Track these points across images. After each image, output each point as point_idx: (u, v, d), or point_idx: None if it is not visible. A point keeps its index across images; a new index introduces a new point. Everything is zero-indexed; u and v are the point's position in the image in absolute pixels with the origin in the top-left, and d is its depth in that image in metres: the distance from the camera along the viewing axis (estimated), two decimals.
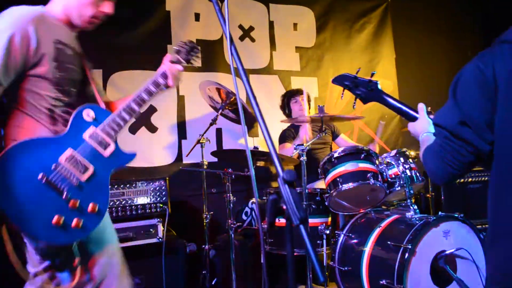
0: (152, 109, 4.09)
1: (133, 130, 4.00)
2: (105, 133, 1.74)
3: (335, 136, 4.23)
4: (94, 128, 1.73)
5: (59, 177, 1.59)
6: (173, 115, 4.19)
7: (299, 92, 4.07)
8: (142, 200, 3.21)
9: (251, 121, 4.26)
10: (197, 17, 4.35)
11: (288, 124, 4.11)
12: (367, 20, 5.21)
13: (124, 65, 3.98)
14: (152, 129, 4.08)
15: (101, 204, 1.64)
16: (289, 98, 4.12)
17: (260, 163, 3.52)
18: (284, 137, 4.06)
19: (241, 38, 4.55)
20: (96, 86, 1.99)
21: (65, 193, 1.57)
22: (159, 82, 1.98)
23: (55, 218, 1.52)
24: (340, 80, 2.16)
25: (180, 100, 4.22)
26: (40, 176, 1.56)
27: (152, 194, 3.23)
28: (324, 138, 4.06)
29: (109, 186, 1.74)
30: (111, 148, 1.73)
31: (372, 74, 2.08)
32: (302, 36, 4.88)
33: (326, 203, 3.02)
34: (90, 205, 1.60)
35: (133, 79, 3.99)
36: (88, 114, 1.74)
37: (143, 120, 4.05)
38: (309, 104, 4.07)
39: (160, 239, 3.15)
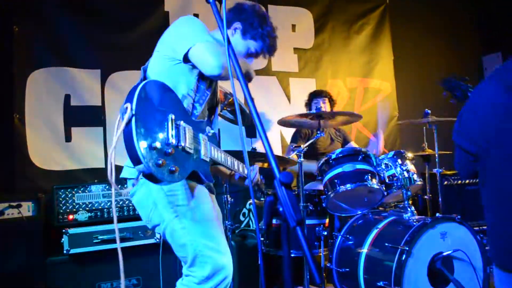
0: None
1: None
2: (210, 148, 1.91)
3: (345, 142, 4.24)
4: (207, 139, 1.91)
5: (179, 130, 1.69)
6: None
7: (322, 94, 4.09)
8: None
9: (251, 122, 4.25)
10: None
11: None
12: (366, 22, 5.21)
13: (123, 65, 3.98)
14: None
15: (179, 172, 1.65)
16: (312, 98, 4.14)
17: (258, 164, 3.52)
18: (296, 137, 4.07)
19: None
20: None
21: (173, 140, 1.63)
22: (241, 175, 2.20)
23: (157, 143, 1.56)
24: (446, 82, 2.34)
25: None
26: (171, 116, 1.65)
27: None
28: (336, 144, 4.10)
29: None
30: (207, 159, 1.87)
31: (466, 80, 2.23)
32: (301, 37, 4.88)
33: (324, 205, 3.02)
34: (175, 167, 1.62)
35: (131, 79, 3.98)
36: (209, 131, 1.95)
37: None
38: (331, 106, 4.11)
39: (158, 240, 3.15)
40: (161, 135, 1.60)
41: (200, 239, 1.84)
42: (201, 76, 1.96)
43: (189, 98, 1.94)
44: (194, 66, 1.91)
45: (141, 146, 1.49)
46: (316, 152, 3.95)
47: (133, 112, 1.49)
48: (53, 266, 2.98)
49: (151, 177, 1.53)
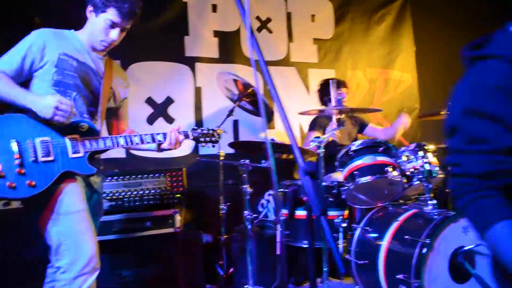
0: (169, 101, 4.10)
1: (151, 121, 4.03)
2: (82, 143, 2.14)
3: (363, 127, 4.18)
4: (78, 136, 2.14)
5: (26, 148, 2.01)
6: (190, 107, 4.20)
7: (343, 84, 4.02)
8: (159, 190, 3.23)
9: (268, 113, 4.25)
10: (214, 8, 4.33)
11: None
12: (386, 12, 5.13)
13: (142, 56, 4.00)
14: (169, 120, 4.10)
15: (39, 183, 2.00)
16: (336, 85, 4.07)
17: (277, 156, 3.52)
18: (314, 125, 4.03)
19: (259, 30, 4.53)
20: (119, 108, 2.61)
21: (18, 160, 1.98)
22: (155, 138, 2.33)
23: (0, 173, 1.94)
24: None
25: (197, 91, 4.23)
26: (14, 140, 2.00)
27: (169, 184, 3.25)
28: (350, 133, 4.05)
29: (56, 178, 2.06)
30: (79, 155, 2.11)
31: None
32: (320, 27, 4.84)
33: (343, 196, 3.00)
34: (30, 181, 1.98)
35: (151, 70, 4.01)
36: (83, 127, 2.16)
37: (161, 111, 4.07)
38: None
39: (177, 229, 3.17)
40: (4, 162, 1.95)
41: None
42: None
43: None
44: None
45: None
46: (333, 143, 3.90)
47: None
48: None
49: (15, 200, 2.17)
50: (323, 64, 4.79)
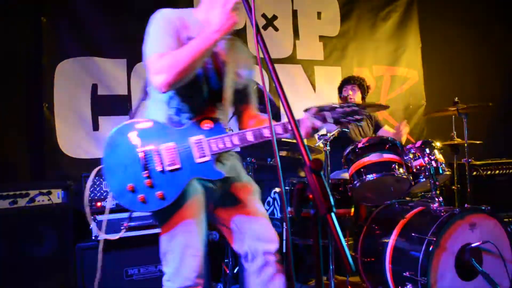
0: None
1: None
2: (208, 145, 1.87)
3: (377, 128, 4.16)
4: (203, 136, 1.88)
5: (151, 158, 1.83)
6: None
7: (350, 81, 4.01)
8: None
9: (274, 111, 4.24)
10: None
11: None
12: (393, 9, 5.10)
13: None
14: None
15: (168, 194, 1.82)
16: (343, 84, 4.09)
17: (283, 153, 3.51)
18: None
19: (264, 27, 4.52)
20: (246, 90, 2.17)
21: (146, 172, 1.81)
22: (287, 128, 1.89)
23: (129, 185, 1.80)
24: None
25: None
26: (139, 149, 1.83)
27: None
28: (366, 132, 4.04)
29: (185, 186, 1.87)
30: (205, 159, 1.86)
31: None
32: (326, 25, 4.82)
33: (350, 194, 3.00)
34: (159, 192, 1.81)
35: None
36: (208, 125, 1.90)
37: None
38: (363, 94, 4.03)
39: None
40: (131, 176, 1.81)
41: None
42: None
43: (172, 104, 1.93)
44: None
45: (117, 196, 1.81)
46: (348, 141, 3.89)
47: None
48: (82, 251, 3.05)
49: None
50: (329, 62, 4.78)
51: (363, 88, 4.02)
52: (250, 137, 1.90)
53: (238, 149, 2.15)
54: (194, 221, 1.89)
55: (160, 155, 1.83)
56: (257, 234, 1.99)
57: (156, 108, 1.95)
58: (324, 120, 1.88)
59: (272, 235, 2.01)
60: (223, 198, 2.04)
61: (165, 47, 1.83)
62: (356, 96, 3.95)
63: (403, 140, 3.83)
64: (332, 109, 1.88)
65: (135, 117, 1.98)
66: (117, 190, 1.82)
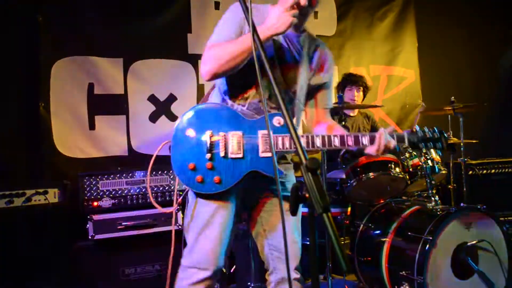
0: (172, 98, 4.10)
1: (153, 118, 4.03)
2: (275, 140, 1.86)
3: (373, 131, 4.13)
4: (271, 132, 1.86)
5: (217, 142, 1.86)
6: (193, 104, 4.19)
7: (358, 82, 3.96)
8: (162, 187, 3.24)
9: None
10: (217, 5, 4.33)
11: None
12: (389, 8, 5.11)
13: (145, 53, 4.00)
14: (172, 118, 4.10)
15: (225, 180, 1.86)
16: (345, 83, 4.03)
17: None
18: None
19: None
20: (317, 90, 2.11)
21: (209, 154, 1.85)
22: (360, 141, 1.89)
23: (191, 164, 1.85)
24: None
25: (200, 89, 4.22)
26: (209, 132, 1.87)
27: (172, 181, 3.26)
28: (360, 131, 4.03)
29: (243, 178, 1.88)
30: (267, 154, 1.86)
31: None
32: (323, 24, 4.82)
33: (346, 193, 3.00)
34: (217, 177, 1.85)
35: (154, 68, 4.01)
36: (279, 122, 1.88)
37: (163, 109, 4.07)
38: (365, 94, 4.01)
39: (180, 226, 3.18)
40: (195, 156, 1.85)
41: None
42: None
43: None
44: None
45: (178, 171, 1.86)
46: None
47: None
48: (78, 251, 3.05)
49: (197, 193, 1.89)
50: None
51: (366, 90, 3.99)
52: (318, 142, 1.88)
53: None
54: (219, 222, 1.91)
55: (227, 141, 1.86)
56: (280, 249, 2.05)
57: (217, 98, 2.04)
58: (401, 140, 1.93)
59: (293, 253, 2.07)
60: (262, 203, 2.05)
61: (222, 38, 1.92)
62: (359, 98, 3.93)
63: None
64: (412, 132, 1.97)
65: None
66: (179, 166, 1.87)
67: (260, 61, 1.20)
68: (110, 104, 3.84)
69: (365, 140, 1.89)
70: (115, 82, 3.89)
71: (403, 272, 2.54)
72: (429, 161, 2.97)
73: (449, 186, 3.95)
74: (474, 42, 5.46)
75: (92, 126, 3.78)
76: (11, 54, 3.61)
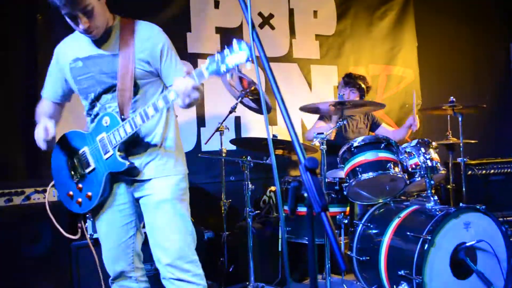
0: None
1: None
2: (108, 139, 2.01)
3: (375, 126, 4.13)
4: (105, 133, 2.02)
5: (75, 164, 2.12)
6: None
7: (350, 84, 3.94)
8: None
9: (270, 110, 4.24)
10: (216, 4, 4.32)
11: None
12: (389, 7, 5.11)
13: None
14: None
15: (94, 194, 2.06)
16: (346, 83, 4.01)
17: (279, 152, 3.52)
18: (323, 117, 3.99)
19: (261, 26, 4.51)
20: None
21: (75, 178, 2.11)
22: (168, 99, 1.93)
23: (69, 193, 2.13)
24: None
25: None
26: (67, 159, 2.15)
27: None
28: (360, 130, 4.02)
29: (105, 183, 2.06)
30: (109, 154, 2.01)
31: None
32: (322, 23, 4.82)
33: (345, 193, 3.00)
34: (88, 193, 2.06)
35: None
36: (106, 121, 2.02)
37: None
38: (363, 96, 3.98)
39: None
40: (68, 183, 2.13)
41: None
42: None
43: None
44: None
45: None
46: (344, 140, 3.88)
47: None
48: (77, 250, 3.04)
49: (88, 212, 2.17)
50: (325, 61, 4.78)
51: (362, 91, 3.95)
52: (138, 118, 1.93)
53: (169, 143, 2.20)
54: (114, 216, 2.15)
55: (81, 160, 2.09)
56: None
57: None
58: (200, 75, 2.01)
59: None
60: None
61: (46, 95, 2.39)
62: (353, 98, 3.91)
63: (409, 134, 3.83)
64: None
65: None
66: (64, 199, 2.16)
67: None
68: None
69: (171, 95, 1.90)
70: None
71: (402, 272, 2.54)
72: (428, 161, 2.96)
73: (448, 186, 3.95)
74: (474, 42, 5.45)
75: None
76: (9, 52, 3.60)
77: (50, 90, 2.28)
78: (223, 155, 3.48)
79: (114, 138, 1.98)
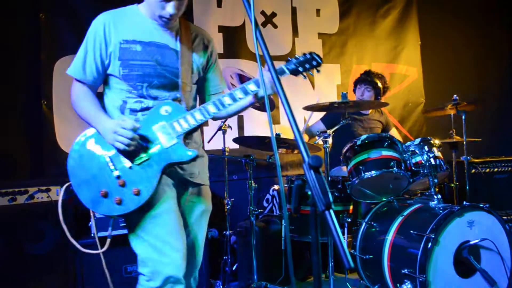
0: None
1: None
2: (171, 127, 1.84)
3: (385, 131, 4.08)
4: (165, 122, 1.84)
5: (117, 158, 1.81)
6: None
7: (372, 83, 3.89)
8: None
9: (272, 106, 4.23)
10: (219, 3, 4.33)
11: None
12: (392, 6, 5.10)
13: None
14: None
15: (144, 188, 1.79)
16: (358, 81, 4.00)
17: (282, 150, 3.52)
18: (326, 117, 3.97)
19: (264, 25, 4.51)
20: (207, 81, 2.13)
21: (115, 171, 1.80)
22: (247, 90, 1.92)
23: (102, 191, 1.79)
24: None
25: None
26: (104, 154, 1.84)
27: None
28: (372, 130, 3.97)
29: (160, 176, 1.84)
30: (173, 142, 1.83)
31: None
32: (325, 22, 4.81)
33: (348, 191, 3.00)
34: (134, 189, 1.78)
35: None
36: (167, 110, 1.86)
37: None
38: (378, 95, 3.93)
39: None
40: (102, 181, 1.81)
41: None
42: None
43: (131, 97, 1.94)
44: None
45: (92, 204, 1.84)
46: (353, 137, 3.83)
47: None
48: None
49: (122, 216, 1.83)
50: (328, 59, 4.77)
51: (378, 91, 3.90)
52: (211, 108, 1.87)
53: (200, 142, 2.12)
54: (170, 216, 1.89)
55: (125, 151, 1.79)
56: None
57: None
58: (282, 73, 2.09)
59: None
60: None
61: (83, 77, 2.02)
62: (370, 99, 3.87)
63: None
64: (288, 61, 2.09)
65: None
66: (92, 201, 1.82)
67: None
68: None
69: (251, 86, 1.92)
70: None
71: (405, 270, 2.53)
72: (432, 160, 2.95)
73: (452, 185, 3.94)
74: (477, 40, 5.43)
75: None
76: (13, 51, 3.62)
77: (89, 70, 1.93)
78: (226, 153, 3.48)
79: (180, 126, 1.83)
